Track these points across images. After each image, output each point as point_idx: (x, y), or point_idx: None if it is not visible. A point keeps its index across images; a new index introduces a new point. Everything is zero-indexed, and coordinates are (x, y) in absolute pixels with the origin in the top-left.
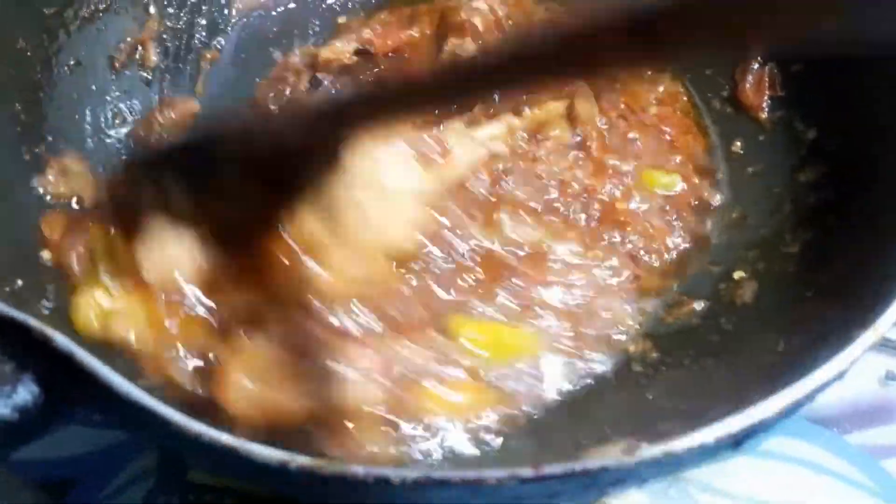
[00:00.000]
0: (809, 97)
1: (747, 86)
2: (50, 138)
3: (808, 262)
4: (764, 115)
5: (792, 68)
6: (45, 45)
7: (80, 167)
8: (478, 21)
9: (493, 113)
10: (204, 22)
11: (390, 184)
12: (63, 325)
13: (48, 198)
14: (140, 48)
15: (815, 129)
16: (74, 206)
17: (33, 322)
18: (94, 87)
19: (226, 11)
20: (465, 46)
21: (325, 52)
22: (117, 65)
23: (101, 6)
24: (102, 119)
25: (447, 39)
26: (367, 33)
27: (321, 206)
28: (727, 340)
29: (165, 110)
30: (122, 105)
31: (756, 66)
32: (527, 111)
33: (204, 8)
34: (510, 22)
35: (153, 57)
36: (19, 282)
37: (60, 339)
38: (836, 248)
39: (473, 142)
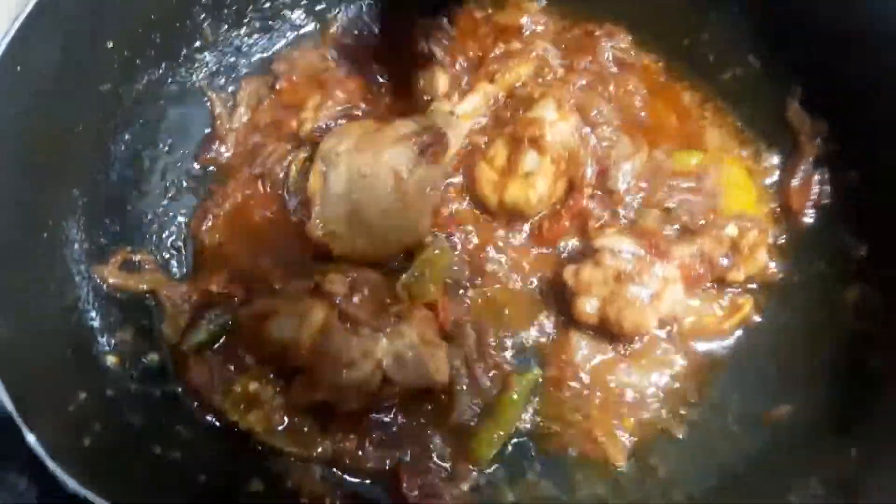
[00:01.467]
0: (862, 209)
1: (794, 184)
2: (111, 225)
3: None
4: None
5: (848, 174)
6: (100, 124)
7: (147, 259)
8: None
9: (469, 85)
10: None
11: (411, 185)
12: None
13: (106, 288)
14: None
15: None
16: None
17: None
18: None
19: None
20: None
21: None
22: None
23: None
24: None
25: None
26: None
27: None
28: None
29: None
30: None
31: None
32: (498, 77)
33: None
34: None
35: None
36: (82, 395)
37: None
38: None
39: (458, 120)
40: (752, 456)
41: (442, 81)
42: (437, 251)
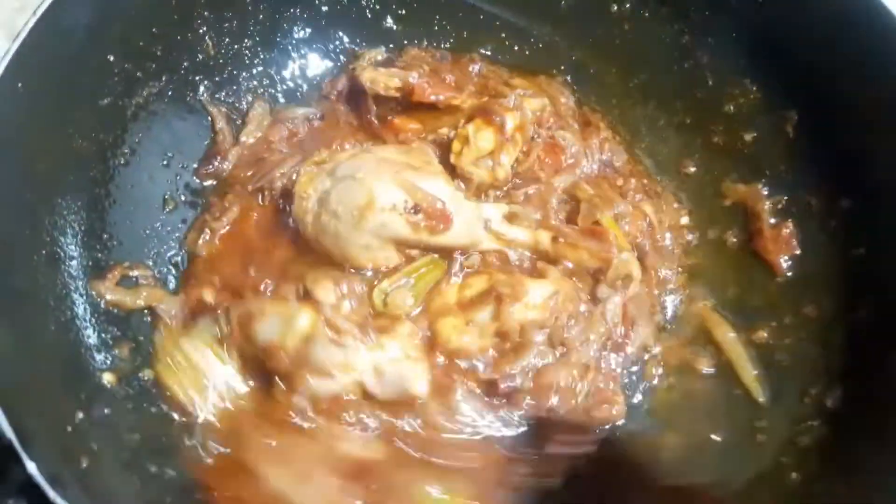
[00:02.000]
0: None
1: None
2: (109, 240)
3: None
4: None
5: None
6: (100, 138)
7: (145, 274)
8: (511, 119)
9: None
10: None
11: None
12: None
13: (103, 304)
14: None
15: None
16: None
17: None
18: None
19: None
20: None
21: (368, 73)
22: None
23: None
24: (161, 215)
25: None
26: (414, 77)
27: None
28: None
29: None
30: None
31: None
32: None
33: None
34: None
35: None
36: (80, 415)
37: None
38: None
39: (485, 232)
40: None
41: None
42: (429, 264)
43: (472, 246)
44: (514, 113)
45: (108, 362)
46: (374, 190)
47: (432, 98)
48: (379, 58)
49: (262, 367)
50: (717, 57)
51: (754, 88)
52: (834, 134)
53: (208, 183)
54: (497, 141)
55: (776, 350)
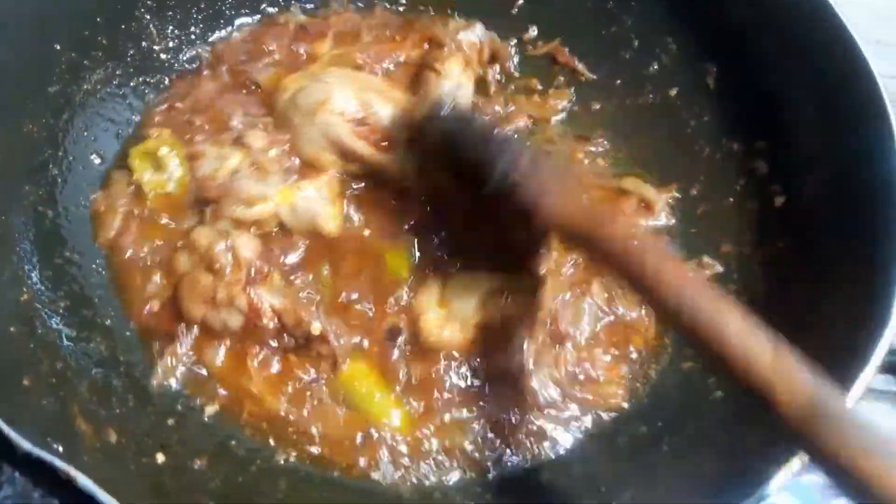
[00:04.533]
0: None
1: None
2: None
3: None
4: None
5: None
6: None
7: None
8: (454, 64)
9: None
10: None
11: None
12: None
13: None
14: None
15: None
16: None
17: (58, 462)
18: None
19: None
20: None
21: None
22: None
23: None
24: None
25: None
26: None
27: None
28: None
29: None
30: None
31: None
32: None
33: None
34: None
35: None
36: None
37: (82, 479)
38: None
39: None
40: None
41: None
42: None
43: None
44: (456, 56)
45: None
46: (333, 93)
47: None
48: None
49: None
50: (639, 20)
51: (675, 47)
52: (749, 82)
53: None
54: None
55: None
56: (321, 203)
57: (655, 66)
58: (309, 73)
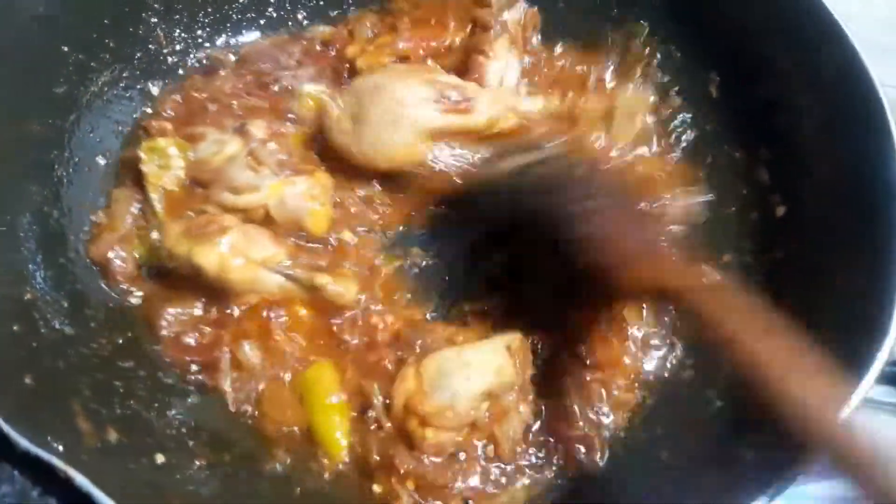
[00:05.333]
0: None
1: None
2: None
3: None
4: None
5: None
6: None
7: None
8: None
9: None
10: None
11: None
12: None
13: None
14: None
15: None
16: None
17: (56, 462)
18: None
19: None
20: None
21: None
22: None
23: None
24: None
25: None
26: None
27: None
28: None
29: None
30: None
31: None
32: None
33: None
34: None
35: None
36: None
37: (80, 479)
38: None
39: (499, 104)
40: None
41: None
42: None
43: (496, 124)
44: (503, 38)
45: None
46: (401, 91)
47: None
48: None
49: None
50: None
51: (679, 55)
52: (752, 91)
53: None
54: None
55: None
56: (311, 202)
57: (659, 75)
58: (339, 90)
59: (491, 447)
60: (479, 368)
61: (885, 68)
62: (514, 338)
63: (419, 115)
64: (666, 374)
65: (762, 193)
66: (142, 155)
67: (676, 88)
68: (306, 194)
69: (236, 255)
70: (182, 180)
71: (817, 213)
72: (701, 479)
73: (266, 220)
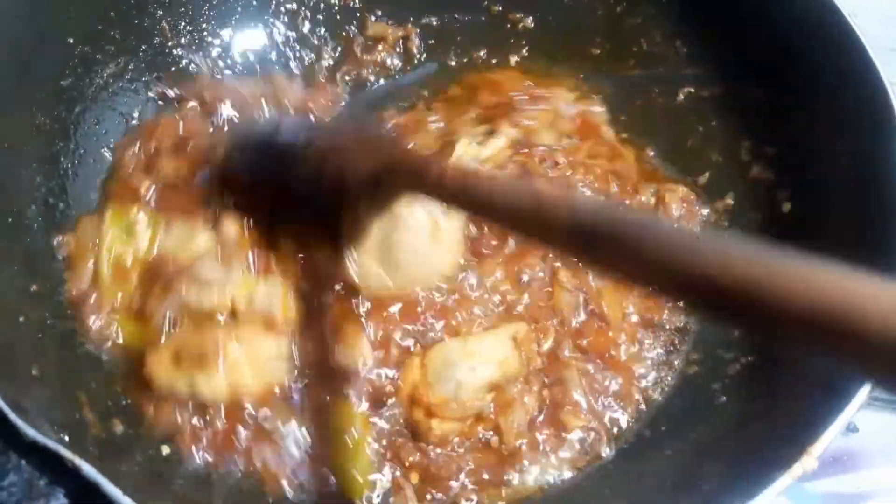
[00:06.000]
0: None
1: None
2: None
3: None
4: None
5: None
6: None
7: None
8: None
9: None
10: None
11: (442, 223)
12: None
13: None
14: None
15: None
16: None
17: (64, 451)
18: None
19: None
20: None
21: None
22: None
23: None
24: None
25: None
26: None
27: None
28: None
29: None
30: None
31: None
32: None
33: None
34: None
35: None
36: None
37: (87, 468)
38: None
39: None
40: None
41: None
42: None
43: None
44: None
45: None
46: (424, 210)
47: None
48: None
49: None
50: (648, 22)
51: (684, 51)
52: (757, 87)
53: None
54: None
55: None
56: (277, 295)
57: (662, 70)
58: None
59: (496, 438)
60: (484, 359)
61: (889, 65)
62: (519, 328)
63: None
64: (670, 369)
65: (767, 190)
66: (107, 217)
67: (680, 85)
68: (278, 291)
69: (245, 368)
70: (138, 256)
71: (824, 210)
72: (705, 474)
73: (231, 315)
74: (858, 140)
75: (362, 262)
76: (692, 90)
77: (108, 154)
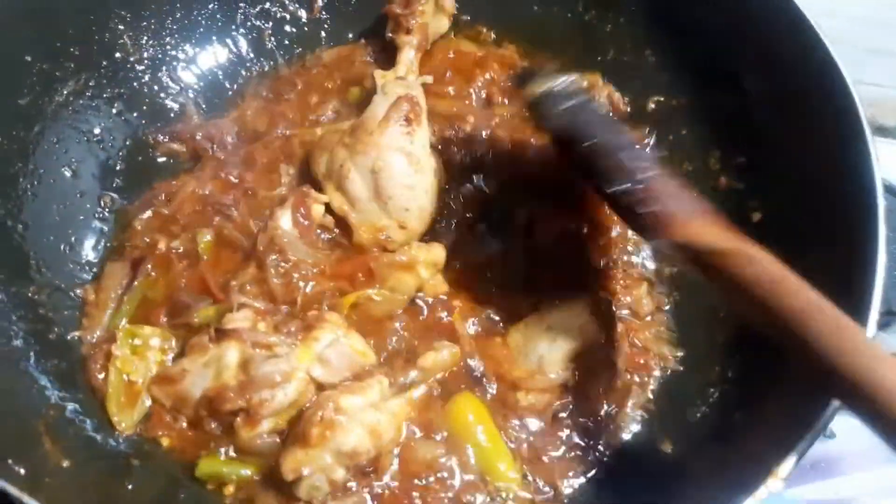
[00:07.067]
0: None
1: None
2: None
3: None
4: None
5: None
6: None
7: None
8: None
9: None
10: None
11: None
12: None
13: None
14: None
15: None
16: None
17: (12, 489)
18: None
19: None
20: None
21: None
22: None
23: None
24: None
25: None
26: None
27: None
28: None
29: None
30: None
31: None
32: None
33: None
34: None
35: None
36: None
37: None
38: None
39: (410, 78)
40: None
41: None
42: None
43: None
44: None
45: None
46: (392, 149)
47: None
48: None
49: (214, 416)
50: (617, 31)
51: (653, 60)
52: (727, 97)
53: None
54: None
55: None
56: (346, 339)
57: (633, 79)
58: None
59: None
60: (563, 332)
61: (866, 67)
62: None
63: (423, 140)
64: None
65: (738, 200)
66: (118, 336)
67: (650, 94)
68: (337, 338)
69: (343, 422)
70: (148, 377)
71: (794, 219)
72: (703, 471)
73: (319, 390)
74: (828, 149)
75: (360, 209)
76: (661, 98)
77: (68, 174)
